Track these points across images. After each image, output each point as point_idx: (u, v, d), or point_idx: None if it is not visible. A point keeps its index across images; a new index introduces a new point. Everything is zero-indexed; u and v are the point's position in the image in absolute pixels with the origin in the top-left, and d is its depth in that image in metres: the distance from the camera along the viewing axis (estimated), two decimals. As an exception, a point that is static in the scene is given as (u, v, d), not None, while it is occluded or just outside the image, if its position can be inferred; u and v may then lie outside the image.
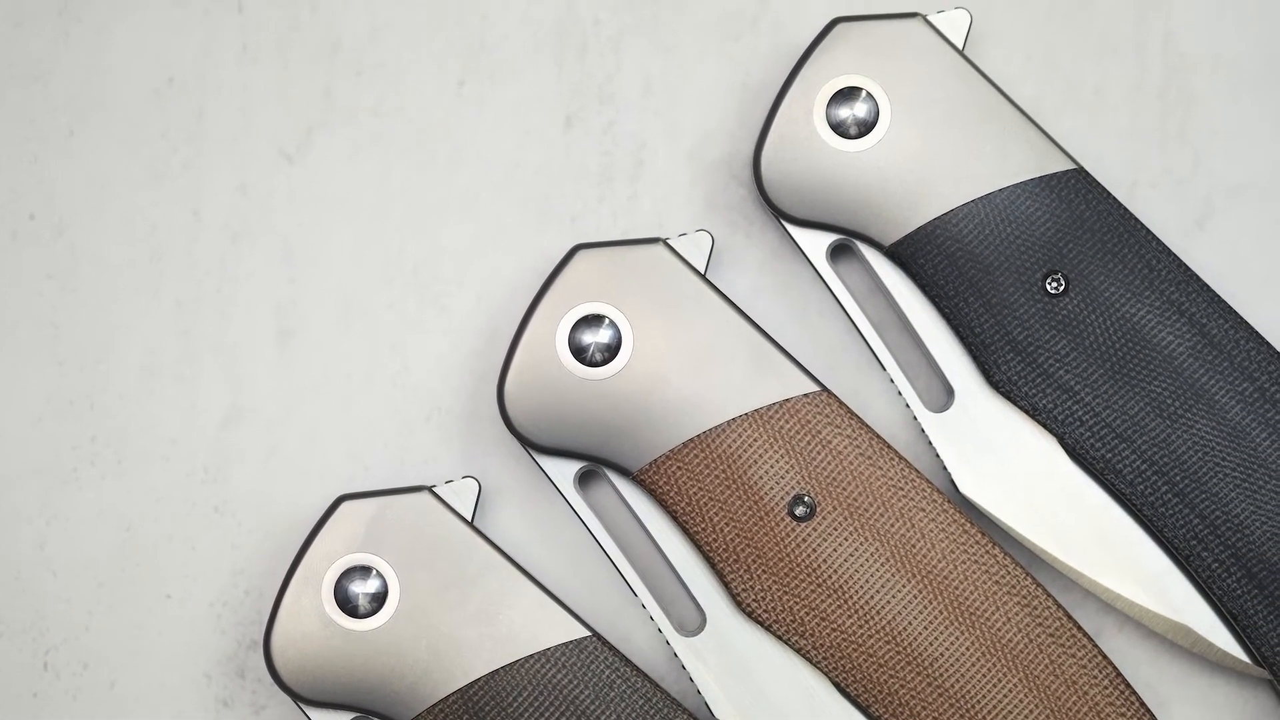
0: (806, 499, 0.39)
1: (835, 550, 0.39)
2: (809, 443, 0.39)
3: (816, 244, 0.40)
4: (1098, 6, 0.45)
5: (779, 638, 0.38)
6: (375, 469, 0.42)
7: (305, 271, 0.43)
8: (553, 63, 0.44)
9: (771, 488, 0.39)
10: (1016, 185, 0.40)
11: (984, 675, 0.39)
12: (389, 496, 0.39)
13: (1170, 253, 0.41)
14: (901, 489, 0.39)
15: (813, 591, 0.39)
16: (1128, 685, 0.39)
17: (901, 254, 0.40)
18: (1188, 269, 0.41)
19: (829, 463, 0.39)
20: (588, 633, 0.38)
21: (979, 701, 0.39)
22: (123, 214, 0.43)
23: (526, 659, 0.38)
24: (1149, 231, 0.41)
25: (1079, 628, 0.39)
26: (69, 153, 0.44)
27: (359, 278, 0.43)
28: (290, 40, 0.43)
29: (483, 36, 0.44)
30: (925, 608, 0.39)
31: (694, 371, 0.40)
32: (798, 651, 0.39)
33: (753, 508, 0.39)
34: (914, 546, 0.39)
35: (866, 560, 0.39)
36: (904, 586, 0.39)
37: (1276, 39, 0.43)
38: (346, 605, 0.38)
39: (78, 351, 0.42)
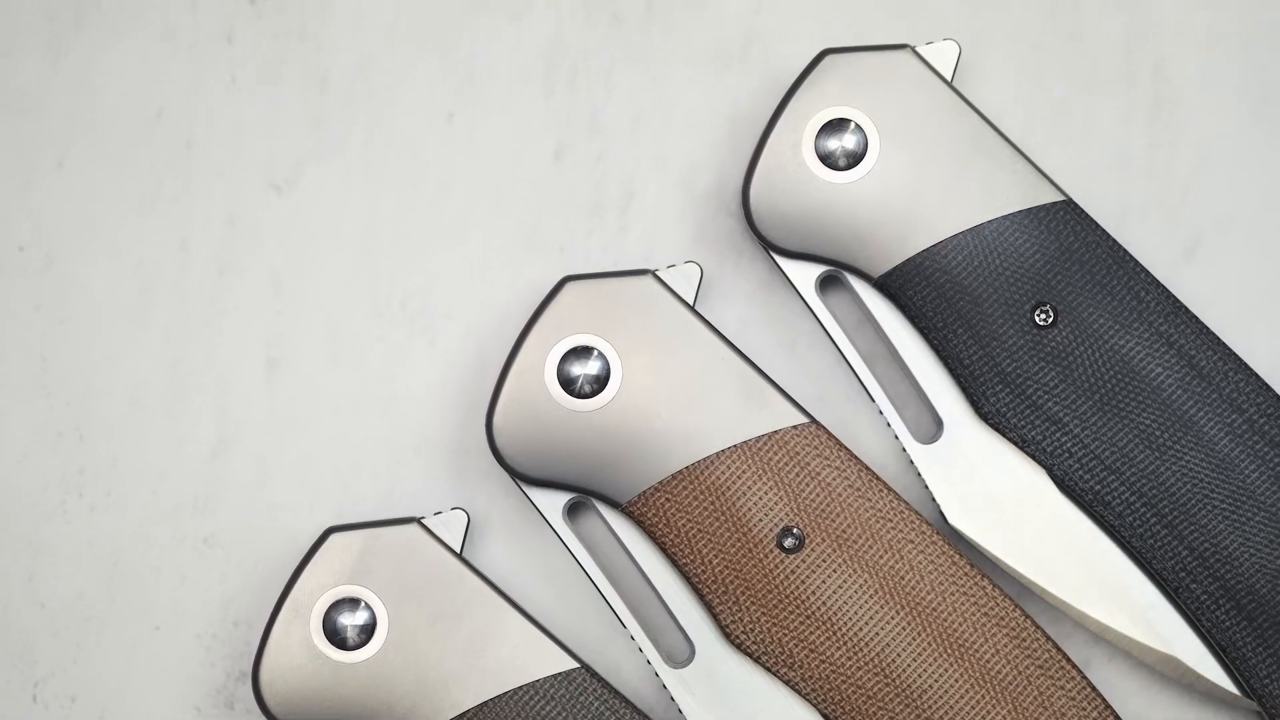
0: (795, 531, 0.39)
1: (824, 582, 0.39)
2: (798, 474, 0.39)
3: (805, 275, 0.41)
4: (1087, 38, 0.45)
5: (768, 669, 0.38)
6: (364, 500, 0.42)
7: (294, 303, 0.43)
8: (542, 94, 0.44)
9: (760, 519, 0.39)
10: (1005, 217, 0.40)
11: (973, 707, 0.39)
12: (377, 528, 0.39)
13: (1159, 284, 0.41)
14: (890, 521, 0.39)
15: (801, 623, 0.39)
16: (1117, 717, 0.39)
17: (890, 286, 0.40)
18: (1176, 300, 0.41)
19: (818, 494, 0.39)
20: (576, 664, 0.38)
21: (968, 732, 0.39)
22: (112, 245, 0.43)
23: (515, 691, 0.38)
24: (1137, 263, 0.41)
25: (1068, 659, 0.39)
26: (58, 184, 0.44)
27: (348, 309, 0.43)
28: (279, 72, 0.43)
29: (472, 68, 0.44)
30: (914, 640, 0.39)
31: (683, 403, 0.40)
32: (786, 683, 0.39)
33: (741, 539, 0.39)
34: (903, 578, 0.39)
35: (855, 592, 0.39)
36: (893, 618, 0.39)
37: (1264, 70, 0.44)
38: (335, 637, 0.38)
39: (66, 383, 0.42)
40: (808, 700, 0.39)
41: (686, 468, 0.39)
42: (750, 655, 0.39)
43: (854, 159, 0.40)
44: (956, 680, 0.39)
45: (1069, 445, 0.40)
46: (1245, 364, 0.41)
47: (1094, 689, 0.40)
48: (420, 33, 0.44)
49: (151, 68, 0.44)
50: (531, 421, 0.39)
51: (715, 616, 0.39)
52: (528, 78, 0.45)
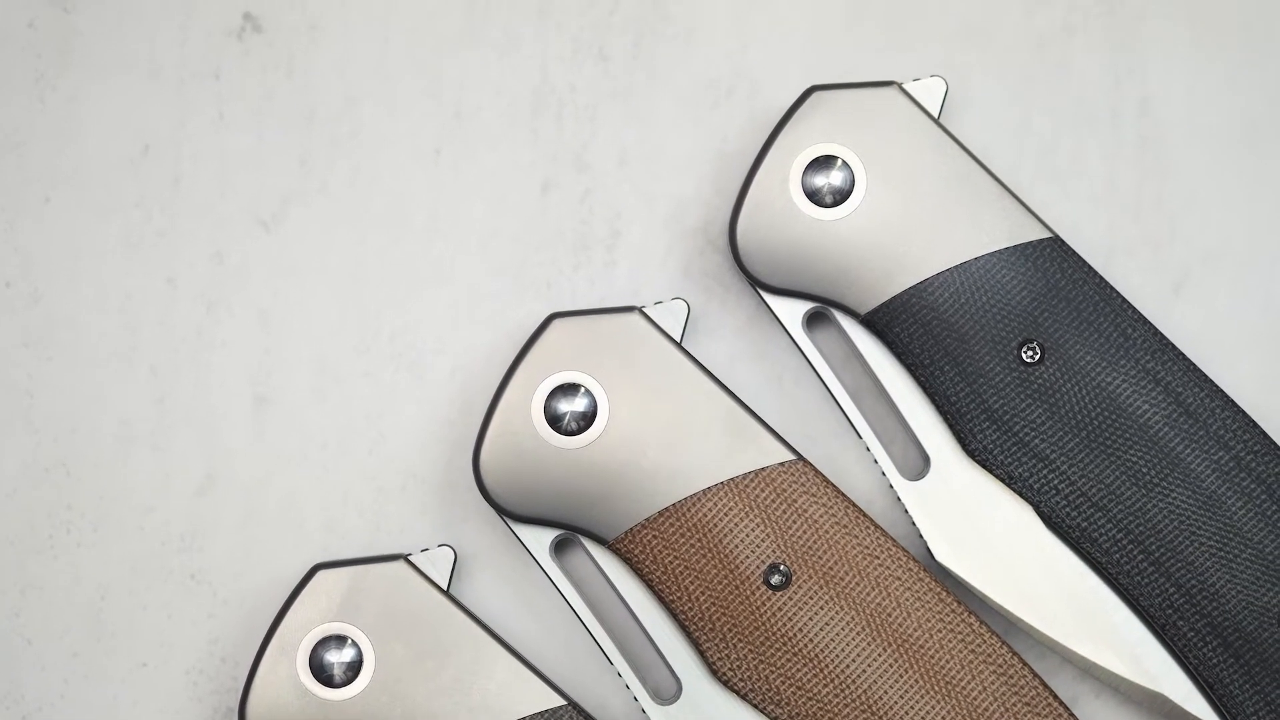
0: (782, 568, 0.39)
1: (811, 619, 0.39)
2: (784, 511, 0.39)
3: (792, 312, 0.41)
4: (1073, 74, 0.45)
5: (754, 706, 0.39)
6: (350, 537, 0.42)
7: (281, 340, 0.43)
8: (529, 131, 0.44)
9: (747, 556, 0.39)
10: (992, 254, 0.40)
11: (960, 744, 0.39)
12: (364, 565, 0.39)
13: (1146, 321, 0.41)
14: (877, 557, 0.39)
15: (788, 660, 0.39)
16: (1104, 753, 0.39)
17: (877, 322, 0.40)
18: (1164, 338, 0.41)
19: (805, 531, 0.39)
20: (563, 702, 0.38)
21: (955, 770, 0.39)
22: (98, 282, 0.43)
23: (502, 728, 0.38)
24: (1125, 300, 0.41)
25: (1055, 696, 0.39)
26: (45, 220, 0.44)
27: (334, 346, 0.43)
28: (266, 109, 0.43)
29: (459, 105, 0.44)
30: (901, 676, 0.39)
31: (670, 440, 0.40)
32: (773, 720, 0.39)
33: (728, 576, 0.39)
34: (890, 615, 0.39)
35: (842, 629, 0.39)
36: (880, 655, 0.39)
37: (1252, 106, 0.44)
38: (321, 674, 0.38)
39: (53, 419, 0.42)
40: (794, 737, 0.40)
41: (673, 505, 0.39)
42: (737, 692, 0.39)
43: (840, 196, 0.40)
44: (944, 717, 0.40)
45: (1056, 482, 0.41)
46: (1232, 400, 0.41)
47: (1081, 725, 0.40)
48: (407, 69, 0.44)
49: (138, 104, 0.44)
50: (518, 458, 0.40)
51: (702, 653, 0.39)
52: (515, 115, 0.45)
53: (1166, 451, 0.41)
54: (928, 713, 0.39)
